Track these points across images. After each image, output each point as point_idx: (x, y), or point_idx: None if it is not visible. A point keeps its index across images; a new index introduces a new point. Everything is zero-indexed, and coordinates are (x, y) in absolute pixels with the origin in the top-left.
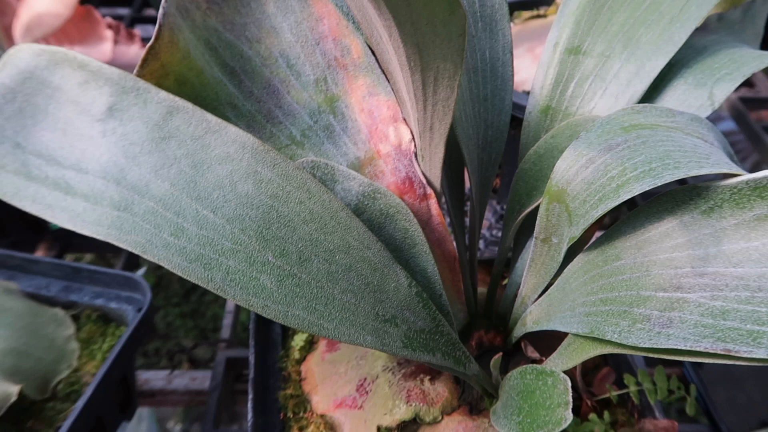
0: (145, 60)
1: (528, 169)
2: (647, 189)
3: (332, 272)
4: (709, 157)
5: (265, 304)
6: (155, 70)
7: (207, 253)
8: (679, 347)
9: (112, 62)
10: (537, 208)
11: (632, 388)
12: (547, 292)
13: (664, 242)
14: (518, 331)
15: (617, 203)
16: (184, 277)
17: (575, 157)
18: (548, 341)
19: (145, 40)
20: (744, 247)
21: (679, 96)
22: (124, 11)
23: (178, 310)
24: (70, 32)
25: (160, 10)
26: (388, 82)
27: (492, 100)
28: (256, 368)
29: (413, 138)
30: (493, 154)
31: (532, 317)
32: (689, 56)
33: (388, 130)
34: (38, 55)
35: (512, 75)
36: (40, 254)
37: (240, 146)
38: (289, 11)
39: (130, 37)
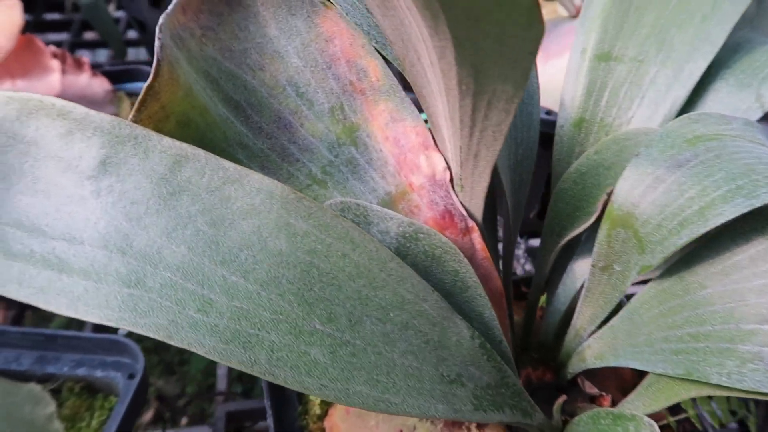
0: (142, 102)
1: (568, 188)
2: (744, 211)
3: (388, 333)
4: None
5: (321, 383)
6: (154, 113)
7: (244, 329)
8: None
9: (61, 95)
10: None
11: (691, 412)
12: (609, 324)
13: (758, 266)
14: (576, 367)
15: (707, 229)
16: (223, 363)
17: (639, 176)
18: (601, 376)
19: (95, 67)
20: None
21: (723, 99)
22: (61, 36)
23: (159, 359)
24: (10, 66)
25: (156, 42)
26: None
27: (520, 116)
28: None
29: (448, 166)
30: (524, 174)
31: (593, 352)
32: (725, 56)
33: (419, 160)
34: (5, 104)
35: (538, 87)
36: None
37: (267, 196)
38: (293, 33)
39: (78, 65)
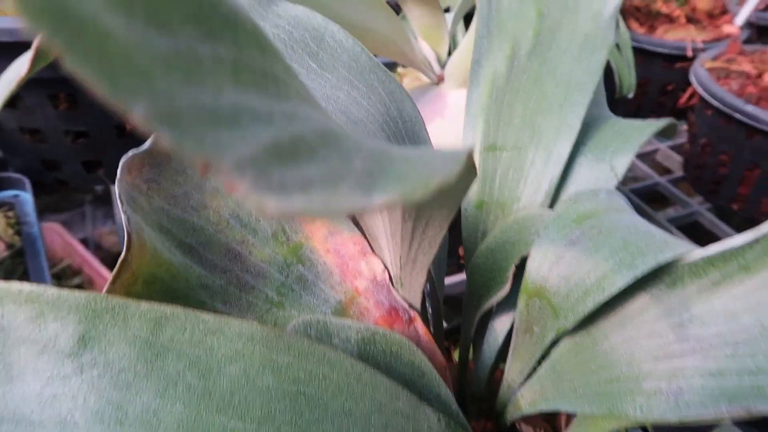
0: (117, 275)
1: (481, 263)
2: (630, 281)
3: None
4: (655, 237)
5: None
6: (125, 280)
7: None
8: (704, 415)
9: None
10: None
11: None
12: (536, 375)
13: (643, 315)
14: (513, 415)
15: (606, 297)
16: None
17: (544, 255)
18: (537, 419)
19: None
20: (709, 308)
21: (586, 173)
22: None
23: None
24: None
25: (123, 216)
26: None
27: None
28: None
29: (385, 266)
30: (442, 253)
31: (526, 400)
32: (581, 134)
33: (360, 266)
34: None
35: None
36: None
37: (248, 339)
38: None
39: None
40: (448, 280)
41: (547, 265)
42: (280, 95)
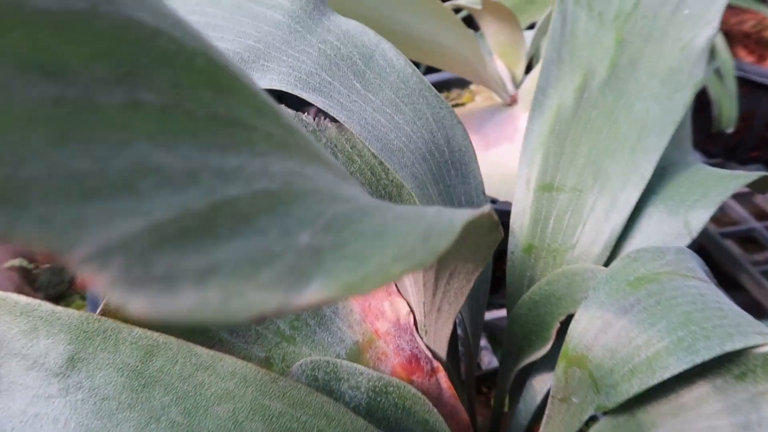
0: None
1: (524, 314)
2: (687, 367)
3: None
4: (726, 317)
5: None
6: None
7: None
8: None
9: None
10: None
11: None
12: None
13: (701, 408)
14: None
15: (656, 381)
16: None
17: (590, 320)
18: None
19: None
20: None
21: (655, 226)
22: None
23: None
24: None
25: None
26: None
27: None
28: None
29: (411, 309)
30: (481, 299)
31: None
32: (653, 180)
33: (383, 306)
34: None
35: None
36: None
37: (240, 379)
38: None
39: None
40: (495, 314)
41: (593, 333)
42: (237, 145)
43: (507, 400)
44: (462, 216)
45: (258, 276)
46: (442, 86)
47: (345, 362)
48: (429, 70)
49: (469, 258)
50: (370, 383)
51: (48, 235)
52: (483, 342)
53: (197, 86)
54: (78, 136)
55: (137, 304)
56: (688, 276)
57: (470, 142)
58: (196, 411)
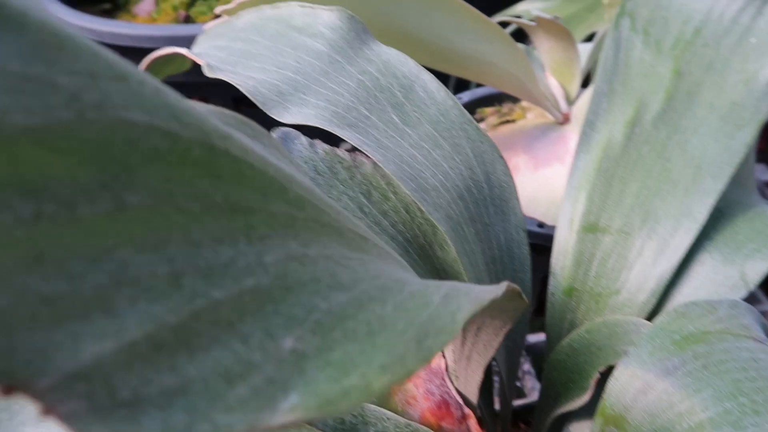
0: None
1: (562, 360)
2: None
3: None
4: None
5: None
6: None
7: None
8: None
9: None
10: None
11: None
12: None
13: None
14: None
15: None
16: None
17: (629, 379)
18: None
19: None
20: None
21: (708, 274)
22: None
23: None
24: None
25: None
26: None
27: None
28: None
29: (443, 354)
30: (518, 340)
31: None
32: (708, 224)
33: None
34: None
35: (528, 254)
36: None
37: None
38: None
39: None
40: (541, 337)
41: (632, 393)
42: (233, 234)
43: None
44: (468, 305)
45: (230, 394)
46: (493, 99)
47: (373, 406)
48: (460, 84)
49: (495, 316)
50: (398, 430)
51: (7, 369)
52: (527, 366)
53: (192, 178)
54: (54, 254)
55: None
56: (740, 336)
57: (511, 177)
58: None
